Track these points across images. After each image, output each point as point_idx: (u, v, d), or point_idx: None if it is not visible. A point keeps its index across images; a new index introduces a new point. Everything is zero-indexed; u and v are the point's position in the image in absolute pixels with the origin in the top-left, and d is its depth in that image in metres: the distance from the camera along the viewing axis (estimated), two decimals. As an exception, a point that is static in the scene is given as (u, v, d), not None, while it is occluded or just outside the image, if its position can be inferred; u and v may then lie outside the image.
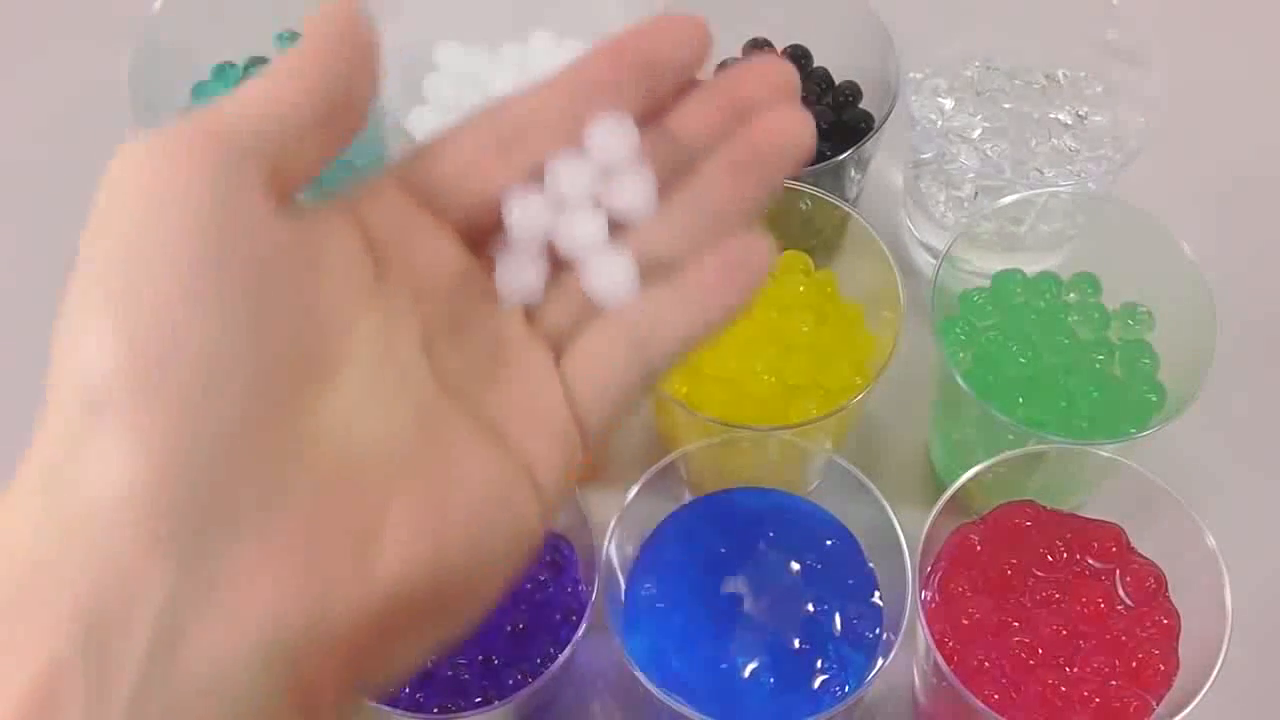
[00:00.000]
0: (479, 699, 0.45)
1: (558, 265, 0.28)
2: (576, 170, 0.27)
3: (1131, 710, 0.44)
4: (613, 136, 0.27)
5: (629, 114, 0.28)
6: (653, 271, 0.27)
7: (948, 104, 0.60)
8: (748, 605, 0.48)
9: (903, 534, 0.46)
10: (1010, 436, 0.49)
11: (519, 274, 0.28)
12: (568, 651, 0.45)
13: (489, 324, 0.27)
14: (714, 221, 0.28)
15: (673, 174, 0.28)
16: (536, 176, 0.28)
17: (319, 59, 0.25)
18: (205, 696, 0.21)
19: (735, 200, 0.28)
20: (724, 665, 0.46)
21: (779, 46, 0.61)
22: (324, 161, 0.26)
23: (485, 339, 0.27)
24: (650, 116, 0.29)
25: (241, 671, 0.21)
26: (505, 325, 0.28)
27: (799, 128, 0.29)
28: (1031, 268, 0.55)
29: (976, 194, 0.58)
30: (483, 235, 0.28)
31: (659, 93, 0.29)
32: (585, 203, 0.28)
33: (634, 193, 0.28)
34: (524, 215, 0.27)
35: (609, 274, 0.27)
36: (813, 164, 0.56)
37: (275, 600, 0.22)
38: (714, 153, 0.29)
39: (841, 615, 0.47)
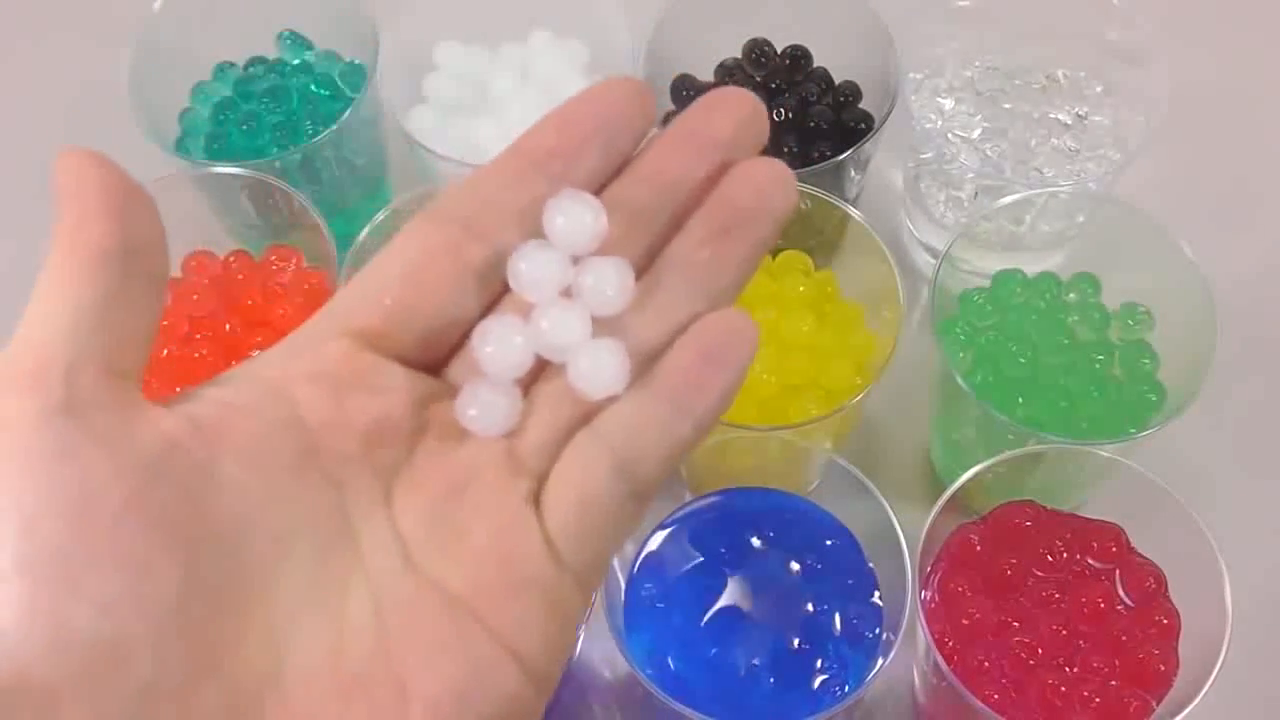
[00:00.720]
0: (479, 699, 0.45)
1: (528, 377, 0.25)
2: (543, 265, 0.25)
3: (1131, 710, 0.44)
4: (577, 219, 0.25)
5: (588, 190, 0.25)
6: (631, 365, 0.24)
7: (948, 104, 0.60)
8: (748, 605, 0.48)
9: (903, 534, 0.46)
10: (1010, 436, 0.49)
11: (492, 408, 0.24)
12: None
13: (455, 458, 0.24)
14: (698, 299, 0.25)
15: (649, 238, 0.26)
16: (496, 266, 0.25)
17: (84, 224, 0.22)
18: None
19: (720, 272, 0.25)
20: (724, 665, 0.46)
21: (779, 46, 0.61)
22: (152, 314, 0.23)
23: (451, 477, 0.24)
24: (606, 186, 0.26)
25: None
26: (473, 455, 0.24)
27: (779, 180, 0.26)
28: (1031, 268, 0.55)
29: (976, 194, 0.58)
30: (444, 351, 0.26)
31: (613, 160, 0.26)
32: (557, 298, 0.25)
33: (611, 284, 0.25)
34: (497, 348, 0.25)
35: (597, 367, 0.24)
36: (813, 164, 0.56)
37: None
38: (691, 220, 0.26)
39: (841, 615, 0.47)
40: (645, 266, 0.26)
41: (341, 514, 0.23)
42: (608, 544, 0.24)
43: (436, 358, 0.26)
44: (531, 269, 0.25)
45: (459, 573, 0.23)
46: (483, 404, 0.25)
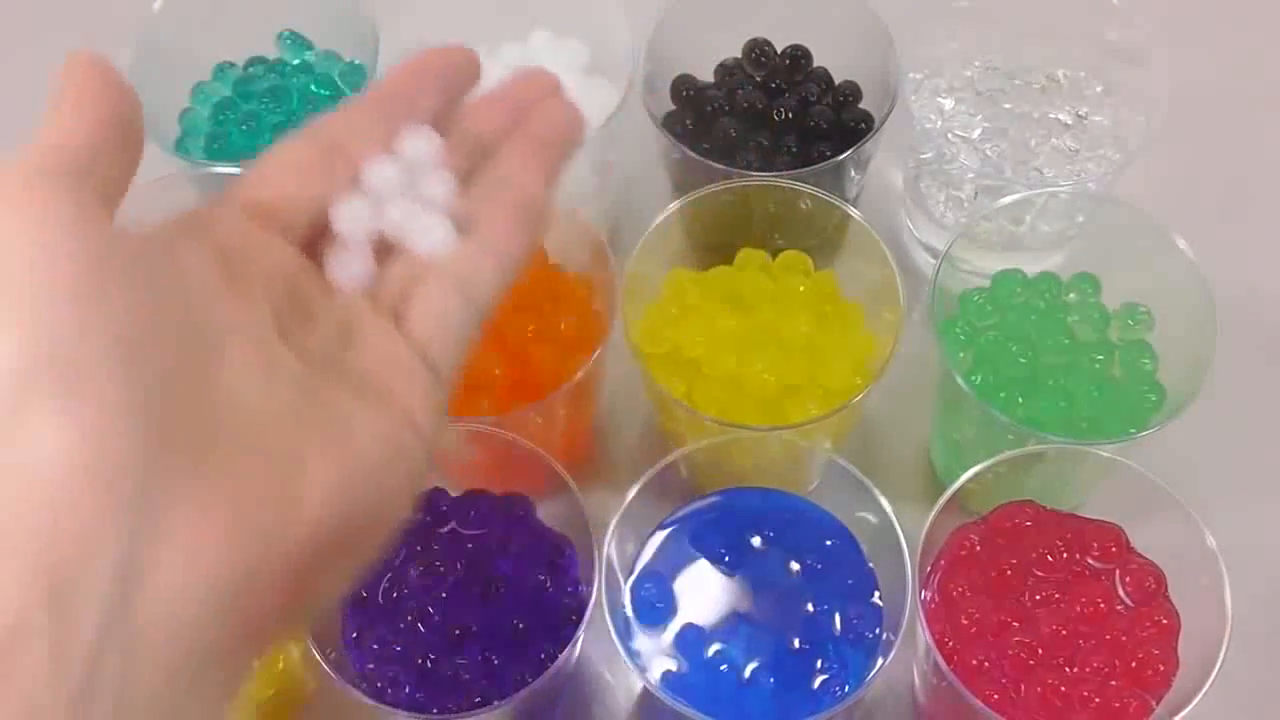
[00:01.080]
0: (479, 699, 0.45)
1: (381, 254, 0.33)
2: (389, 166, 0.33)
3: (1131, 710, 0.44)
4: (420, 142, 0.33)
5: (427, 123, 0.34)
6: (462, 234, 0.33)
7: (948, 104, 0.60)
8: (748, 605, 0.48)
9: (903, 534, 0.46)
10: (1010, 436, 0.49)
11: (350, 264, 0.32)
12: (568, 651, 0.45)
13: (333, 311, 0.31)
14: (508, 195, 0.34)
15: (472, 163, 0.34)
16: (356, 185, 0.32)
17: (91, 94, 0.28)
18: (162, 633, 0.24)
19: (524, 176, 0.34)
20: (724, 665, 0.46)
21: (779, 46, 0.61)
22: (127, 183, 0.28)
23: (332, 323, 0.31)
24: (442, 120, 0.34)
25: (194, 609, 0.24)
26: (347, 309, 0.31)
27: (569, 114, 0.35)
28: (1031, 268, 0.55)
29: (976, 194, 0.58)
30: (316, 239, 0.32)
31: (448, 103, 0.35)
32: (400, 190, 0.33)
33: (441, 182, 0.33)
34: (349, 215, 0.32)
35: (431, 232, 0.32)
36: (813, 164, 0.56)
37: (218, 548, 0.25)
38: (504, 144, 0.34)
39: (841, 615, 0.47)
40: (467, 178, 0.34)
41: (254, 332, 0.29)
42: (461, 349, 0.32)
43: (310, 243, 0.32)
44: (381, 171, 0.32)
45: (354, 371, 0.30)
46: (345, 262, 0.32)
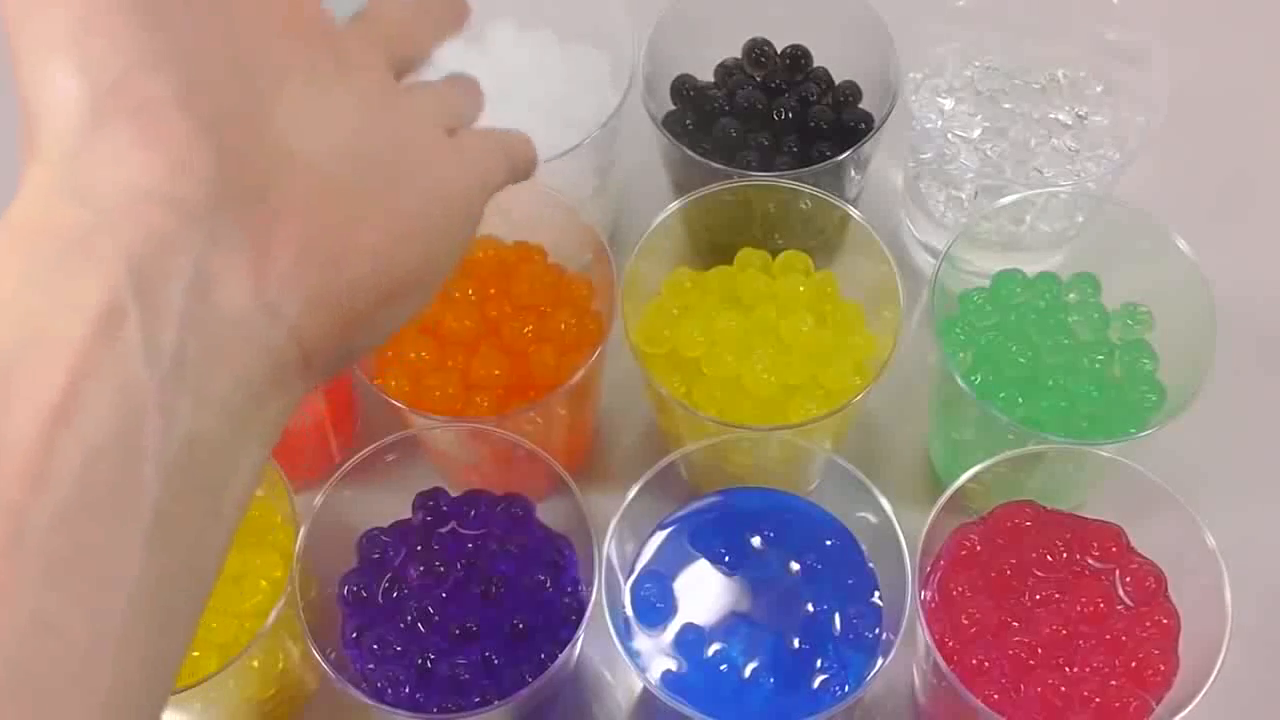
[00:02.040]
0: (479, 699, 0.45)
1: None
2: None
3: (1131, 710, 0.44)
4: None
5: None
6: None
7: (948, 104, 0.60)
8: (747, 605, 0.48)
9: (903, 534, 0.46)
10: (1010, 436, 0.49)
11: None
12: (567, 651, 0.45)
13: (382, 64, 0.33)
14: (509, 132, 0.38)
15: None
16: None
17: None
18: (233, 337, 0.26)
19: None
20: (724, 665, 0.46)
21: (779, 46, 0.61)
22: None
23: (387, 69, 0.33)
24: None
25: (258, 320, 0.26)
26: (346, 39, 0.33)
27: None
28: (1031, 268, 0.55)
29: (976, 194, 0.58)
30: None
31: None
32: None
33: None
34: None
35: None
36: (813, 164, 0.56)
37: (283, 274, 0.27)
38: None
39: (841, 615, 0.47)
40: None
41: (324, 62, 0.30)
42: (489, 187, 0.34)
43: None
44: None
45: (403, 135, 0.31)
46: None
